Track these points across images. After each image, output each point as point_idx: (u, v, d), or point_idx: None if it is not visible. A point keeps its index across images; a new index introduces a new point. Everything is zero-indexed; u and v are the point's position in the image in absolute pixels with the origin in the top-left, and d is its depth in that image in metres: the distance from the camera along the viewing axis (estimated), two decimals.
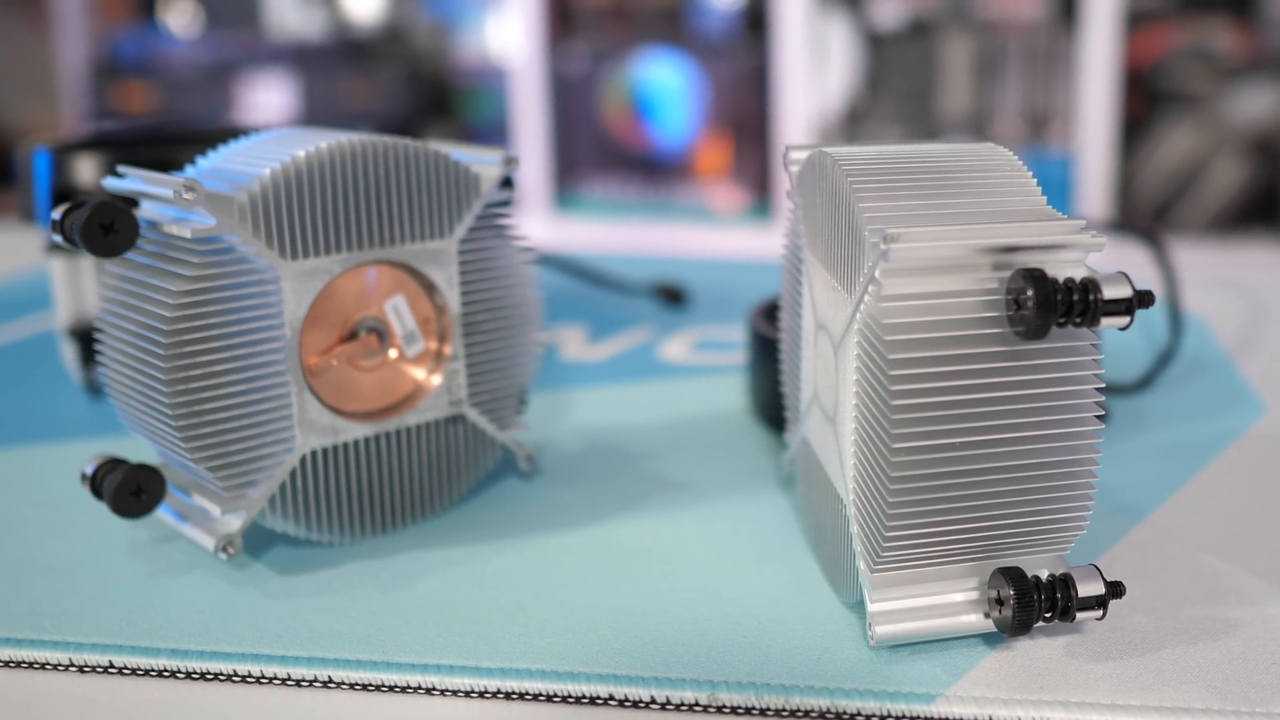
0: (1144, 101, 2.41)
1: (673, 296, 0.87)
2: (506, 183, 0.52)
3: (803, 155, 0.48)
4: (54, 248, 0.69)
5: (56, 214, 0.46)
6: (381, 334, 0.51)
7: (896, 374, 0.37)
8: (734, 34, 2.50)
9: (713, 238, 2.41)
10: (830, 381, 0.44)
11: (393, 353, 0.51)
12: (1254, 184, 2.31)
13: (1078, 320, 0.36)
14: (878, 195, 0.40)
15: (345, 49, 2.56)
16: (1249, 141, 2.33)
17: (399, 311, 0.51)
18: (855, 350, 0.40)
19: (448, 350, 0.52)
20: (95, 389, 0.69)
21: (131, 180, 0.48)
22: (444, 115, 2.57)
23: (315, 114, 2.39)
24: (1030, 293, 0.35)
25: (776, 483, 0.56)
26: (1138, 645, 0.41)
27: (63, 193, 0.69)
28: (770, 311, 0.67)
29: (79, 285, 0.70)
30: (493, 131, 2.55)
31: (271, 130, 0.53)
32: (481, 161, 0.52)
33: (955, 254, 0.37)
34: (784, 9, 2.32)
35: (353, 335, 0.50)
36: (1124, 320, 0.36)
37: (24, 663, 0.43)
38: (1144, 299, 0.36)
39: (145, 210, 0.47)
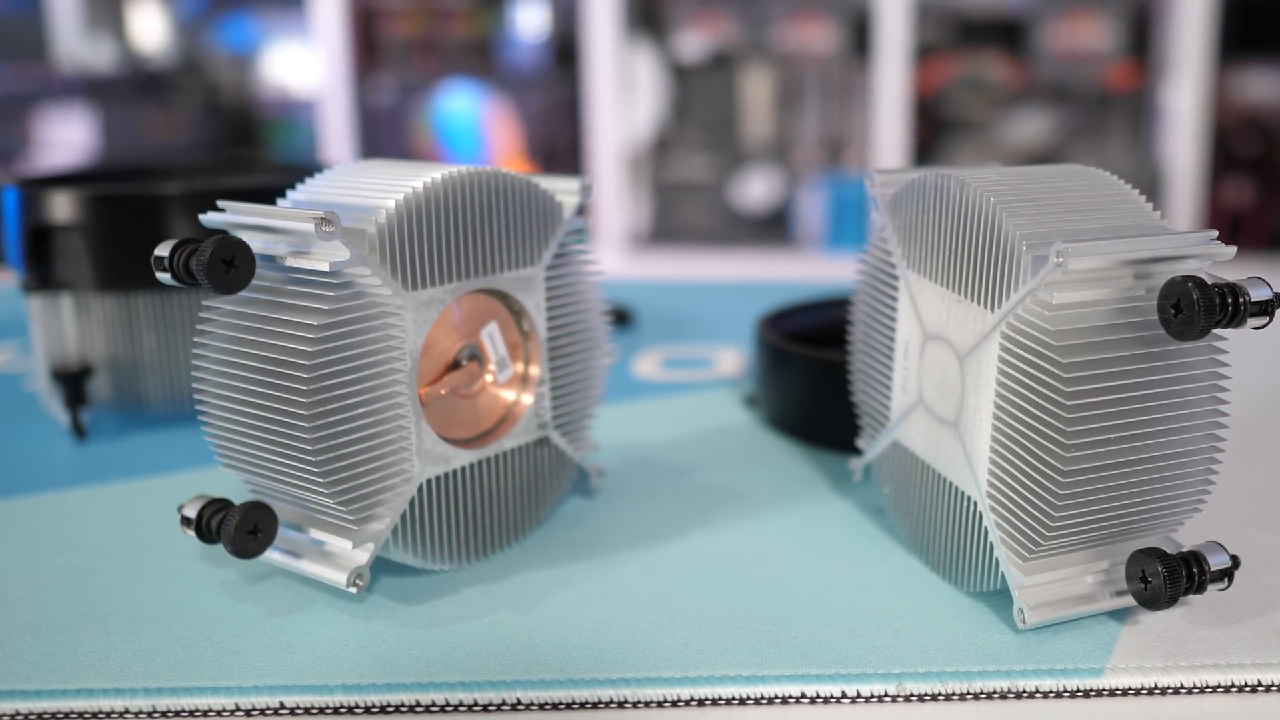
0: (929, 128, 2.56)
1: (621, 318, 0.89)
2: (579, 210, 0.54)
3: (894, 178, 0.51)
4: (32, 288, 0.66)
5: (162, 251, 0.45)
6: (480, 361, 0.51)
7: (1070, 376, 0.40)
8: (543, 66, 2.53)
9: None
10: (950, 388, 0.47)
11: (487, 378, 0.52)
12: None
13: (1227, 322, 0.40)
14: (1022, 214, 0.43)
15: (142, 82, 2.47)
16: (1024, 162, 2.50)
17: (493, 339, 0.52)
18: (999, 356, 0.43)
19: (534, 374, 0.53)
20: (83, 432, 0.66)
21: (234, 214, 0.47)
22: (250, 146, 2.51)
23: (116, 148, 2.29)
24: (1196, 297, 0.39)
25: (829, 487, 0.59)
26: (1244, 611, 0.46)
27: (37, 230, 0.66)
28: (775, 323, 0.70)
29: (60, 326, 0.67)
30: (301, 163, 2.50)
31: (341, 164, 0.53)
32: (563, 189, 0.53)
33: (1107, 265, 0.41)
34: (592, 42, 2.36)
35: (454, 364, 0.50)
36: (1264, 320, 0.41)
37: (184, 711, 0.41)
38: None
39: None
